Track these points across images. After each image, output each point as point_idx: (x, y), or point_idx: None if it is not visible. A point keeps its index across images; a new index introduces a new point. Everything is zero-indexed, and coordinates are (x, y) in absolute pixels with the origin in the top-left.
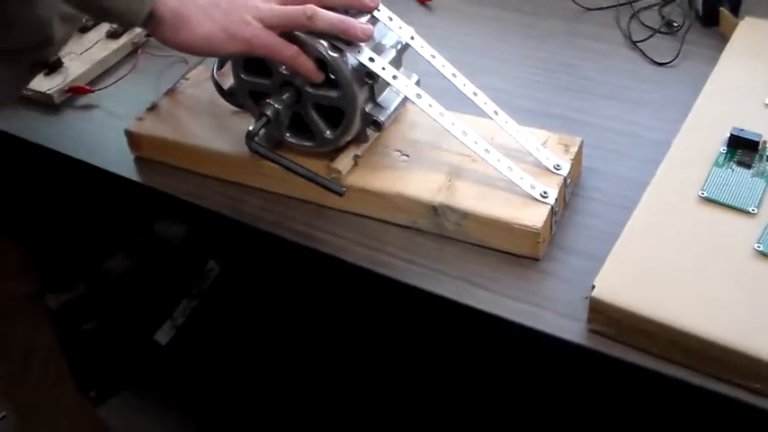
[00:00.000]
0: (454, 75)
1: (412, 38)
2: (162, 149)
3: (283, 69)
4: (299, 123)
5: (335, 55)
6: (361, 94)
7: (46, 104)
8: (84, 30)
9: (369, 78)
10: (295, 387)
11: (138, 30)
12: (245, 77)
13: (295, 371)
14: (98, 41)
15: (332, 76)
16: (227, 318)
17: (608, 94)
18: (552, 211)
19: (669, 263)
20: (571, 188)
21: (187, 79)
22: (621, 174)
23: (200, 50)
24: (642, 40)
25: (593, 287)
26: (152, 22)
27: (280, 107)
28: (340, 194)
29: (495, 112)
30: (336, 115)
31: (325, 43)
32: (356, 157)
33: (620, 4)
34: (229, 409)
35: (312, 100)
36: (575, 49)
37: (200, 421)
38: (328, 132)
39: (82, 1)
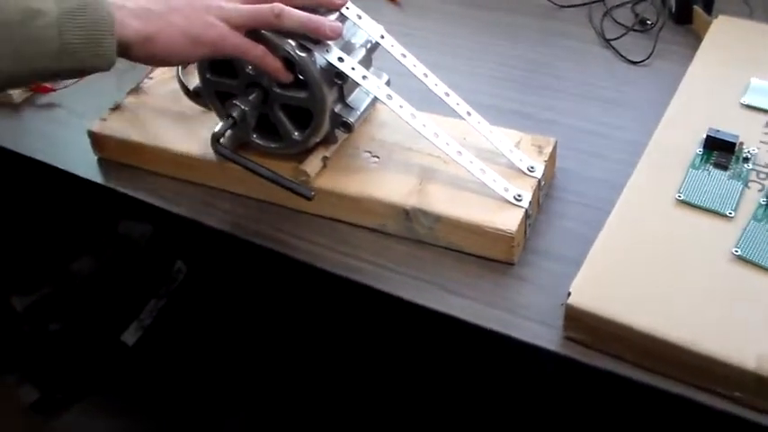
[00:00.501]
0: (425, 74)
1: (382, 36)
2: (126, 151)
3: (250, 70)
4: (266, 124)
5: (304, 55)
6: (331, 95)
7: (5, 104)
8: None
9: (338, 79)
10: (263, 388)
11: None
12: (210, 78)
13: (264, 372)
14: None
15: (300, 77)
16: (195, 318)
17: (582, 94)
18: (526, 215)
19: (646, 268)
20: (545, 190)
21: (151, 78)
22: (596, 175)
23: (170, 62)
24: (615, 38)
25: (569, 294)
26: (121, 50)
27: (246, 108)
28: (308, 198)
29: (468, 113)
30: (304, 116)
31: (293, 42)
32: (325, 159)
33: (593, 2)
34: (196, 410)
35: (280, 101)
36: (547, 48)
37: (166, 423)
38: (296, 134)
39: (56, 74)
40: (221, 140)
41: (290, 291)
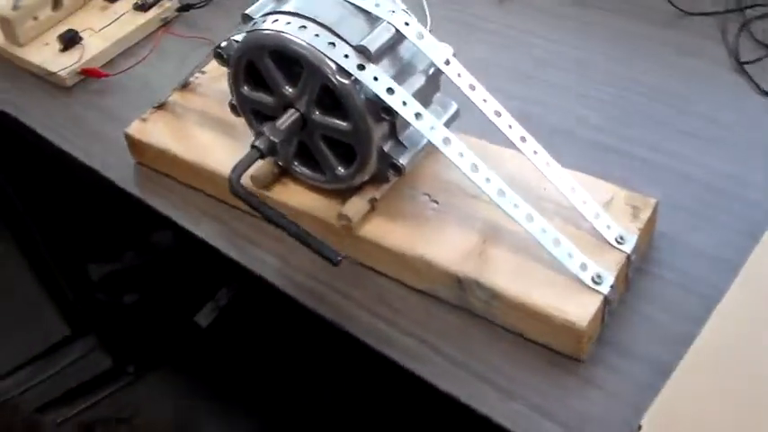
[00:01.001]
0: (498, 113)
1: (447, 62)
2: (164, 162)
3: (287, 89)
4: (309, 149)
5: (345, 81)
6: (378, 130)
7: (56, 87)
8: None
9: (386, 114)
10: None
11: (168, 3)
12: (245, 93)
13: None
14: (123, 14)
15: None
16: (266, 307)
17: (699, 132)
18: (606, 302)
19: (750, 408)
20: (637, 262)
21: (203, 72)
22: (706, 247)
23: None
24: (752, 62)
25: (639, 428)
26: None
27: (276, 140)
28: (334, 264)
29: (548, 164)
30: (350, 148)
31: (333, 65)
32: (373, 201)
33: (729, 11)
34: (263, 397)
35: (319, 130)
36: (663, 66)
37: (232, 406)
38: (340, 169)
39: None
40: (243, 173)
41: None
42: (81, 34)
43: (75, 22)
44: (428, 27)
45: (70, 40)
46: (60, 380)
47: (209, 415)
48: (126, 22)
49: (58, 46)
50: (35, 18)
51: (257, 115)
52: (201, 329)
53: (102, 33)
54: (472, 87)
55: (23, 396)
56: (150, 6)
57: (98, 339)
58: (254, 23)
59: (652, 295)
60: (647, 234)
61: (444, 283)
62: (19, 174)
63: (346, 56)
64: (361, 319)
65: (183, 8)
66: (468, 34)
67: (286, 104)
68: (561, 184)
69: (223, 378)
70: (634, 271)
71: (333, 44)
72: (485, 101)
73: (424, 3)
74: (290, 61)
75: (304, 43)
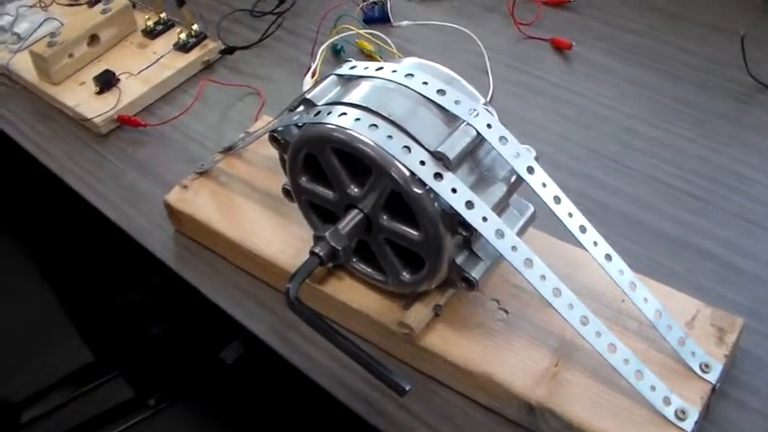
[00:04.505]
0: (583, 229)
1: (530, 170)
2: (205, 234)
3: (351, 188)
4: (369, 247)
5: (419, 191)
6: (451, 242)
7: (89, 133)
8: (151, 33)
9: (463, 230)
10: None
11: (211, 45)
12: (304, 185)
13: None
14: (163, 55)
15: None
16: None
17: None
18: None
19: None
20: (718, 387)
21: (249, 133)
22: None
23: None
24: None
25: None
26: None
27: (339, 247)
28: (401, 395)
29: (633, 285)
30: (418, 254)
31: (406, 172)
32: (437, 308)
33: None
34: None
35: (385, 234)
36: (741, 147)
37: None
38: (405, 274)
39: None
40: (301, 284)
41: None
42: (118, 76)
43: (111, 60)
44: (490, 92)
45: (107, 83)
46: (80, 408)
47: None
48: (165, 65)
49: (93, 87)
50: (70, 56)
51: (314, 207)
52: (226, 366)
53: (141, 76)
54: (557, 200)
55: (42, 421)
56: (192, 47)
57: (121, 369)
58: (318, 113)
59: (732, 423)
60: (732, 356)
61: (513, 406)
62: (46, 199)
63: (422, 162)
64: None
65: (227, 51)
66: (530, 98)
67: (349, 204)
68: (645, 307)
69: (244, 417)
70: (715, 397)
71: (408, 148)
72: (570, 215)
73: (488, 67)
74: (356, 157)
75: (375, 145)
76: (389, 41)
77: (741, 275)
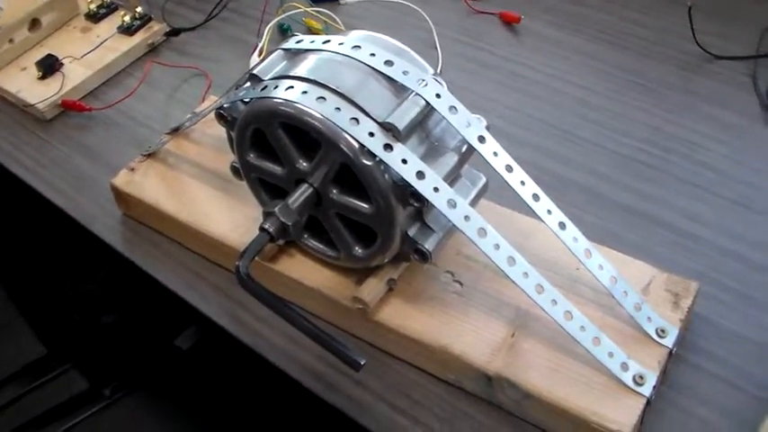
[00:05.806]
0: (536, 197)
1: (481, 139)
2: (153, 217)
3: (300, 163)
4: (320, 223)
5: (369, 163)
6: (403, 213)
7: (32, 118)
8: (94, 17)
9: (415, 200)
10: None
11: (156, 27)
12: (252, 161)
13: None
14: (107, 39)
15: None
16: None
17: (739, 198)
18: (647, 404)
19: None
20: (675, 352)
21: (196, 114)
22: (749, 334)
23: None
24: None
25: None
26: None
27: (289, 222)
28: (356, 370)
29: (588, 252)
30: (369, 227)
31: (355, 144)
32: (391, 282)
33: (760, 56)
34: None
35: (335, 208)
36: (691, 115)
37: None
38: (357, 249)
39: None
40: (251, 262)
41: None
42: (61, 60)
43: (54, 45)
44: (439, 67)
45: (50, 67)
46: (34, 401)
47: None
48: (110, 48)
49: (36, 73)
50: (11, 41)
51: (263, 183)
52: (182, 352)
53: (85, 60)
54: (509, 169)
55: None
56: (136, 30)
57: (74, 360)
58: (265, 88)
59: (689, 386)
60: (687, 321)
61: (471, 377)
62: None
63: (371, 134)
64: (376, 411)
65: (173, 32)
66: (480, 72)
67: (298, 178)
68: (600, 274)
69: (202, 403)
70: (671, 363)
71: (356, 120)
72: (523, 183)
73: (437, 42)
74: (304, 131)
75: (323, 117)
76: (337, 19)
77: (695, 242)
